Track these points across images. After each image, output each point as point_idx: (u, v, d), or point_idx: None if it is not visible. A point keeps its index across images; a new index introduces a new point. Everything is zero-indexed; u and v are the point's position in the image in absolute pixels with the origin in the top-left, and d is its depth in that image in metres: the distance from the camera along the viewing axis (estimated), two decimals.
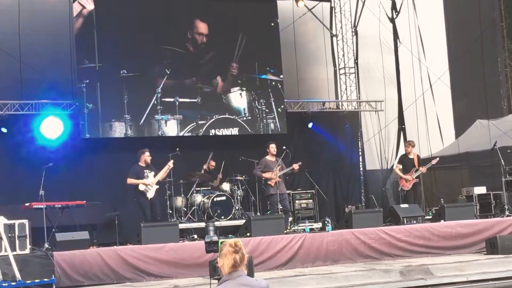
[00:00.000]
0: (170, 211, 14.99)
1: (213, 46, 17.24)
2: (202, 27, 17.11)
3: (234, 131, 17.20)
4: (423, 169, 15.66)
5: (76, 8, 16.12)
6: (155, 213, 14.18)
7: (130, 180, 14.10)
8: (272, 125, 17.57)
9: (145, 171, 14.15)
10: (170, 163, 14.39)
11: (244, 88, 17.46)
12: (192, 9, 17.32)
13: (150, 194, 14.02)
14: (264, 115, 17.53)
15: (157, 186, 14.23)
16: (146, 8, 16.84)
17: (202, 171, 16.05)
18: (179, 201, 15.39)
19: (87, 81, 16.00)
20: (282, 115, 17.70)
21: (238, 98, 17.42)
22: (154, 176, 14.18)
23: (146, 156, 14.22)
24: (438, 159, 16.09)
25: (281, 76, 17.77)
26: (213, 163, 16.28)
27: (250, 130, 17.30)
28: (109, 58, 16.25)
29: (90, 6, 16.23)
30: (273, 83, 17.68)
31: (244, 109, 17.40)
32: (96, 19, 16.26)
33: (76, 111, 15.98)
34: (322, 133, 18.66)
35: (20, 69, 15.91)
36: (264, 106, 17.54)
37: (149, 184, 14.03)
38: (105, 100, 16.15)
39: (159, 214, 14.41)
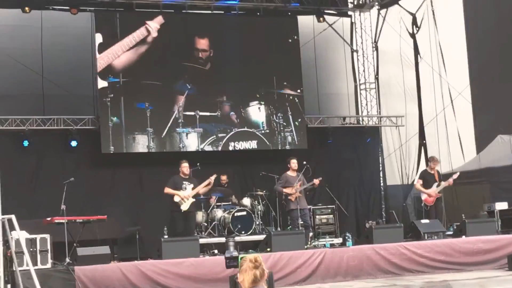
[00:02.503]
0: None
1: (233, 61, 17.33)
2: (203, 43, 17.19)
3: (253, 144, 17.31)
4: (450, 181, 15.52)
5: (143, 32, 16.51)
6: (190, 228, 14.08)
7: (167, 190, 14.02)
8: (289, 138, 17.68)
9: (184, 182, 14.02)
10: (212, 178, 14.26)
11: (263, 102, 17.59)
12: (212, 25, 17.46)
13: (184, 207, 13.88)
14: (282, 128, 17.65)
15: (193, 200, 14.10)
16: (167, 26, 16.96)
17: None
18: (200, 216, 15.37)
19: (112, 95, 16.15)
20: (299, 128, 17.76)
21: (257, 112, 17.54)
22: (193, 189, 14.12)
23: (183, 167, 14.12)
24: (459, 173, 15.97)
25: (299, 91, 17.83)
26: (224, 178, 16.26)
27: (268, 143, 17.42)
28: (132, 73, 16.41)
29: (155, 33, 16.68)
30: (291, 97, 17.78)
31: (262, 122, 17.54)
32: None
33: (98, 126, 16.09)
34: (342, 150, 18.64)
35: (43, 85, 16.11)
36: (282, 120, 17.66)
37: (185, 196, 13.98)
38: (129, 114, 16.33)
39: (193, 228, 14.33)
